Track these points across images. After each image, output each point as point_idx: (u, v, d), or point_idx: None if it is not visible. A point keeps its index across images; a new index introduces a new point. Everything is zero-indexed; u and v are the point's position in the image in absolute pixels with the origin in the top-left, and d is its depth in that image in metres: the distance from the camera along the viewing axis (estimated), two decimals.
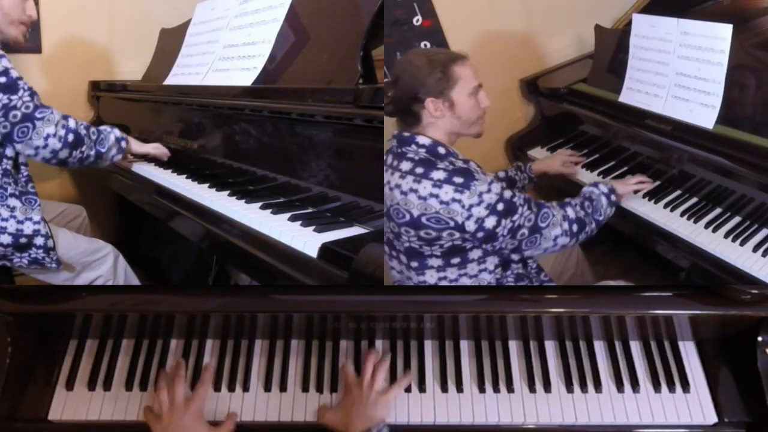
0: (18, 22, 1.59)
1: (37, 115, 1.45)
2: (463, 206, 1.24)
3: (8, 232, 1.51)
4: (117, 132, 1.68)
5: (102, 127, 1.65)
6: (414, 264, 1.36)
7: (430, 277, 1.36)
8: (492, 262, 1.36)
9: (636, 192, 1.64)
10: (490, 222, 1.25)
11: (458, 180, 1.24)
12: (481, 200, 1.24)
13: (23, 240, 1.53)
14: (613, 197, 1.48)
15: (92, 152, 1.58)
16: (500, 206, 1.25)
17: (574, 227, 1.36)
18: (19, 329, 1.32)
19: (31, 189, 1.56)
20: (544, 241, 1.33)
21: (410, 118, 1.33)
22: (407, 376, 1.34)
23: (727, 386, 1.35)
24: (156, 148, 1.87)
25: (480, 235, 1.27)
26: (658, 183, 1.71)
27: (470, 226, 1.25)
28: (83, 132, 1.54)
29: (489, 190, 1.25)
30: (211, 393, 1.33)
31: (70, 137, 1.50)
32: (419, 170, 1.27)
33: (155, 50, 2.53)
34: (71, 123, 1.52)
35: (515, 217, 1.27)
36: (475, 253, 1.33)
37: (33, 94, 1.46)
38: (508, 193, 1.27)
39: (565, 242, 1.36)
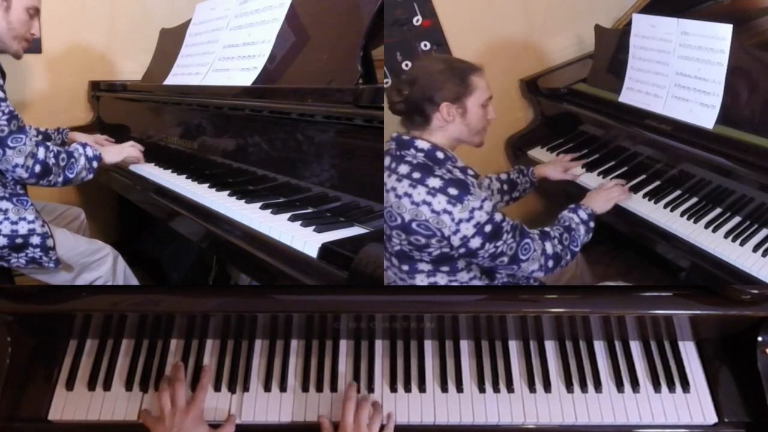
0: (21, 38, 1.60)
1: (10, 143, 1.44)
2: (452, 219, 1.24)
3: (3, 233, 1.51)
4: (89, 151, 1.66)
5: (73, 148, 1.63)
6: (405, 267, 1.36)
7: (420, 282, 1.36)
8: (478, 269, 1.37)
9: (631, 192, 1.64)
10: (474, 242, 1.26)
11: (452, 191, 1.24)
12: (471, 216, 1.24)
13: (19, 240, 1.53)
14: (591, 223, 1.48)
15: (60, 179, 1.58)
16: (488, 228, 1.26)
17: (550, 263, 1.36)
18: (19, 329, 1.32)
19: (20, 191, 1.57)
20: (520, 272, 1.35)
21: (419, 119, 1.34)
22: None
23: (727, 386, 1.35)
24: (132, 148, 1.87)
25: (462, 251, 1.28)
26: (658, 183, 1.71)
27: (455, 240, 1.26)
28: (52, 162, 1.53)
29: (481, 207, 1.25)
30: (211, 393, 1.33)
31: (37, 168, 1.50)
32: (416, 175, 1.27)
33: (155, 50, 2.53)
34: (41, 154, 1.51)
35: (499, 243, 1.27)
36: (462, 262, 1.34)
37: (12, 118, 1.45)
38: (498, 216, 1.28)
39: (539, 276, 1.38)
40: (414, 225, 1.27)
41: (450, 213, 1.24)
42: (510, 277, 1.43)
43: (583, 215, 1.47)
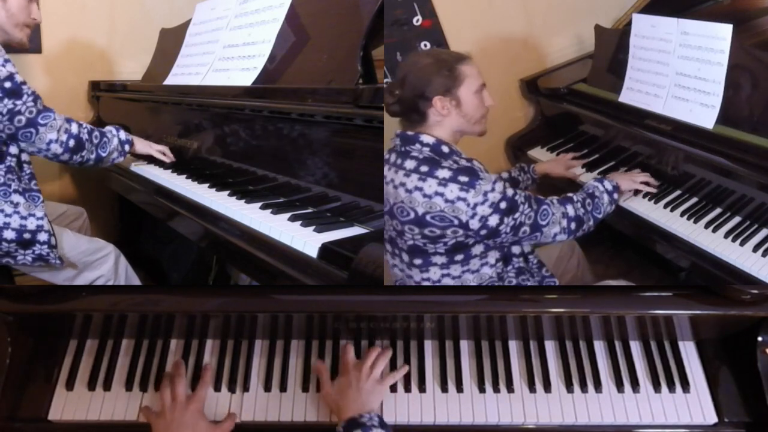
0: (23, 24, 1.60)
1: (40, 121, 1.46)
2: (468, 205, 1.24)
3: (12, 227, 1.51)
4: (122, 135, 1.68)
5: (107, 129, 1.65)
6: (417, 262, 1.36)
7: (434, 275, 1.36)
8: (493, 256, 1.37)
9: (639, 191, 1.64)
10: (493, 220, 1.26)
11: (463, 179, 1.25)
12: (485, 199, 1.25)
13: (27, 236, 1.53)
14: (615, 195, 1.50)
15: (92, 156, 1.59)
16: (503, 204, 1.27)
17: (573, 225, 1.38)
18: (19, 329, 1.32)
19: (34, 186, 1.57)
20: (544, 238, 1.36)
21: (416, 116, 1.34)
22: (404, 367, 1.35)
23: (727, 386, 1.35)
24: (161, 152, 1.86)
25: (483, 232, 1.28)
26: (657, 183, 1.71)
27: (474, 224, 1.26)
28: (85, 137, 1.55)
29: (493, 189, 1.26)
30: (211, 393, 1.34)
31: (72, 143, 1.52)
32: (424, 168, 1.28)
33: (155, 50, 2.53)
34: (74, 128, 1.53)
35: (516, 215, 1.28)
36: (478, 249, 1.34)
37: (36, 98, 1.47)
38: (510, 191, 1.29)
39: (562, 239, 1.39)
40: (428, 217, 1.27)
41: (464, 199, 1.24)
42: (535, 242, 1.43)
43: (608, 185, 1.50)
